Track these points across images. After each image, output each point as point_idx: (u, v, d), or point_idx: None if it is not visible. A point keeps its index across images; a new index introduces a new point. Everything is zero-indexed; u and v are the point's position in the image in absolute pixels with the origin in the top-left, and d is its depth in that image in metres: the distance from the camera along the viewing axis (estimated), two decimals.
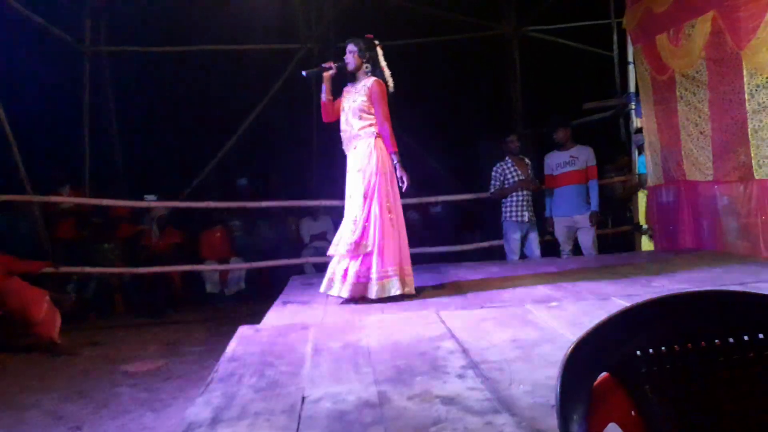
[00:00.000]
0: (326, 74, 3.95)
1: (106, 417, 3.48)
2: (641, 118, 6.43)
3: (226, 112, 8.74)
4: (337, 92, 4.04)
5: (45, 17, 6.91)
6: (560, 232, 5.96)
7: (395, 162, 3.80)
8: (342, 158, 4.01)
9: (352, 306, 3.71)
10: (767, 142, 4.51)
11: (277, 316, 3.63)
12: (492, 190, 6.02)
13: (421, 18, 9.08)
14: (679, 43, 5.34)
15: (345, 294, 3.71)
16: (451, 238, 7.76)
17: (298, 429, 1.79)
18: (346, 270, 3.73)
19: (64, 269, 5.87)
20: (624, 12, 6.38)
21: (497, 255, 6.53)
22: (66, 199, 6.85)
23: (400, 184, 3.82)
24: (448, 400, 1.95)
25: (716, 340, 0.99)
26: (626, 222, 7.24)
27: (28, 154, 6.10)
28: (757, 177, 4.62)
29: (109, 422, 3.40)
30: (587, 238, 5.87)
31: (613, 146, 7.79)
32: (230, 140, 8.47)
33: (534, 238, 6.01)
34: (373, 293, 3.70)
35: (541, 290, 3.86)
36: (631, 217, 7.03)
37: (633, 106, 6.83)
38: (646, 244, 6.64)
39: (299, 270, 6.89)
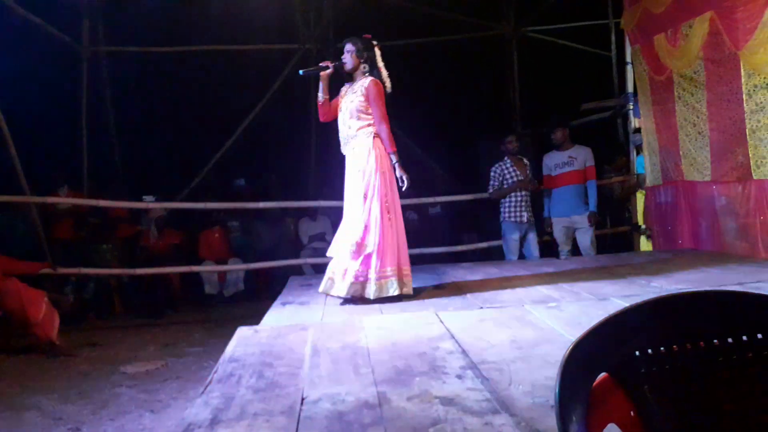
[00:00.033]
0: (323, 73, 3.94)
1: (105, 418, 3.47)
2: (639, 118, 6.44)
3: (224, 113, 8.74)
4: (335, 92, 4.04)
5: (43, 18, 6.91)
6: (559, 232, 5.96)
7: (394, 162, 3.79)
8: (340, 159, 4.00)
9: (351, 307, 3.71)
10: (765, 142, 4.52)
11: (275, 316, 3.62)
12: (491, 191, 6.02)
13: (420, 18, 9.08)
14: (677, 43, 5.35)
15: (343, 293, 3.71)
16: (450, 238, 7.76)
17: (297, 430, 1.79)
18: (345, 270, 3.73)
19: (62, 270, 5.87)
20: (622, 12, 6.38)
21: (496, 255, 6.53)
22: (64, 200, 6.84)
23: (400, 184, 3.81)
24: (447, 401, 1.95)
25: (715, 341, 1.00)
26: (625, 222, 7.25)
27: (26, 154, 6.09)
28: (755, 177, 4.63)
29: (108, 423, 3.40)
30: (586, 239, 5.87)
31: (612, 147, 7.79)
32: (229, 141, 8.48)
33: (533, 238, 6.01)
34: (371, 293, 3.70)
35: (540, 291, 3.86)
36: (630, 217, 7.03)
37: (631, 107, 6.84)
38: (645, 244, 6.65)
39: (298, 271, 6.89)
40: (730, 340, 0.99)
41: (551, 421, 0.95)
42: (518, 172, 5.91)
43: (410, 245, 4.03)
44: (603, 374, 1.02)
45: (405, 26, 8.95)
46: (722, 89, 4.89)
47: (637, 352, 1.00)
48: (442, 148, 9.43)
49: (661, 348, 1.00)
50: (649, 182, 6.23)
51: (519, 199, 5.88)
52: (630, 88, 6.87)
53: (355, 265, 3.69)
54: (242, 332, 3.04)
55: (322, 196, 6.98)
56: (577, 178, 5.81)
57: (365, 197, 3.75)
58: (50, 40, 7.38)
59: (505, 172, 5.92)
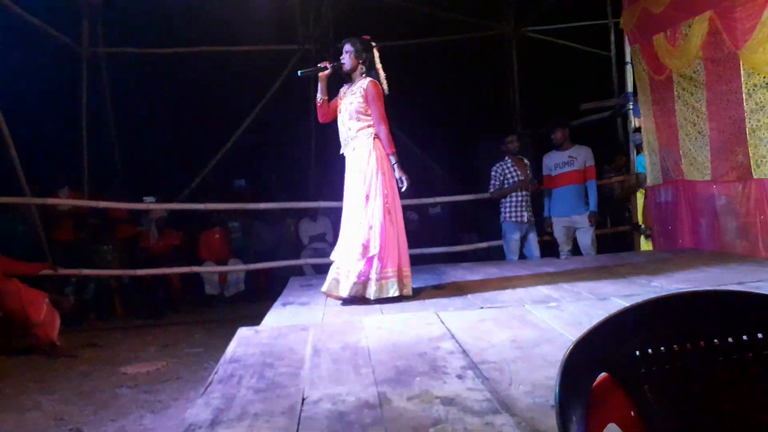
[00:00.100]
0: (322, 74, 3.93)
1: (106, 418, 3.48)
2: (639, 118, 6.44)
3: (224, 114, 8.75)
4: (334, 93, 4.04)
5: (42, 19, 6.91)
6: (559, 232, 5.96)
7: (393, 163, 3.79)
8: (340, 159, 4.00)
9: (352, 307, 3.71)
10: (765, 142, 4.52)
11: (276, 317, 3.62)
12: (491, 190, 6.02)
13: (420, 18, 9.09)
14: (677, 43, 5.35)
15: (345, 293, 3.71)
16: (450, 238, 7.77)
17: (297, 430, 1.79)
18: (349, 271, 3.73)
19: (62, 271, 5.87)
20: (621, 12, 6.38)
21: (496, 255, 6.53)
22: (64, 201, 6.84)
23: (399, 185, 3.81)
24: (448, 401, 1.95)
25: (715, 340, 1.00)
26: (625, 222, 7.25)
27: (27, 155, 6.10)
28: (755, 176, 4.63)
29: (108, 424, 3.40)
30: (586, 239, 5.87)
31: (612, 146, 7.80)
32: (229, 142, 8.48)
33: (533, 238, 6.01)
34: (371, 293, 3.70)
35: (540, 290, 3.86)
36: (630, 217, 7.03)
37: (631, 106, 6.84)
38: (645, 244, 6.65)
39: (298, 271, 6.89)
40: (730, 339, 0.99)
41: (552, 421, 0.95)
42: (519, 172, 5.92)
43: (410, 245, 4.03)
44: (603, 374, 1.02)
45: (405, 26, 8.95)
46: (722, 88, 4.89)
47: (638, 352, 1.00)
48: (442, 149, 9.44)
49: (662, 348, 1.00)
50: (649, 182, 6.23)
51: (519, 199, 5.88)
52: (630, 88, 6.87)
53: (358, 266, 3.70)
54: (243, 333, 3.04)
55: (322, 197, 6.98)
56: (577, 177, 5.81)
57: (367, 198, 3.75)
58: (50, 41, 7.38)
59: (506, 171, 5.93)
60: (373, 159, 3.78)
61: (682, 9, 5.20)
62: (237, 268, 7.20)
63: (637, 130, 6.66)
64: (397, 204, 3.88)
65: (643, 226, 6.61)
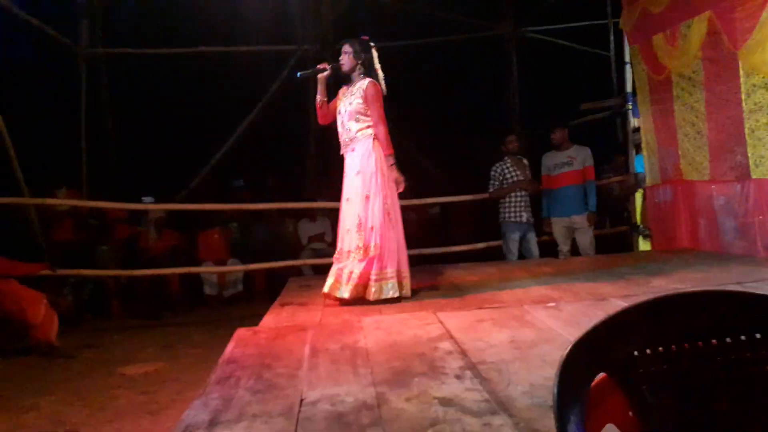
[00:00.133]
0: (321, 76, 3.93)
1: (104, 419, 3.47)
2: (639, 118, 6.44)
3: (223, 114, 8.74)
4: (332, 94, 4.03)
5: (41, 19, 6.90)
6: (558, 232, 5.96)
7: (390, 164, 3.77)
8: (339, 159, 4.00)
9: (350, 307, 3.70)
10: (764, 142, 4.52)
11: (274, 317, 3.62)
12: (491, 190, 6.02)
13: (419, 19, 9.08)
14: (676, 43, 5.35)
15: (346, 295, 3.71)
16: (449, 238, 7.76)
17: (295, 431, 1.79)
18: (351, 272, 3.73)
19: (61, 272, 5.86)
20: (621, 12, 6.38)
21: (495, 256, 6.52)
22: (63, 202, 6.83)
23: (395, 186, 3.80)
24: (446, 401, 1.95)
25: (713, 340, 0.99)
26: (624, 222, 7.25)
27: (25, 156, 6.09)
28: (753, 176, 4.63)
29: (106, 425, 3.39)
30: (585, 239, 5.87)
31: (611, 146, 7.80)
32: (227, 142, 8.47)
33: (532, 238, 6.01)
34: (370, 295, 3.70)
35: (539, 291, 3.86)
36: (629, 217, 7.04)
37: (630, 107, 6.84)
38: (643, 244, 6.65)
39: (297, 272, 6.89)
40: (728, 340, 0.99)
41: (550, 421, 0.94)
42: (518, 172, 5.92)
43: (409, 246, 4.03)
44: (601, 374, 1.01)
45: (404, 27, 8.95)
46: (721, 89, 4.89)
47: (636, 352, 1.00)
48: (441, 149, 9.43)
49: (660, 348, 1.00)
50: (648, 182, 6.23)
51: (518, 199, 5.88)
52: (629, 88, 6.87)
53: (359, 268, 3.70)
54: (241, 333, 3.04)
55: (321, 197, 6.97)
56: (576, 178, 5.81)
57: (366, 199, 3.74)
58: (48, 42, 7.38)
59: (506, 171, 5.93)
60: (372, 160, 3.77)
61: (681, 9, 5.20)
62: (235, 268, 7.20)
63: (637, 130, 6.66)
64: (397, 205, 3.88)
65: (641, 226, 6.62)
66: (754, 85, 4.55)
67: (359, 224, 3.73)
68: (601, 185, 6.61)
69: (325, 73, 3.92)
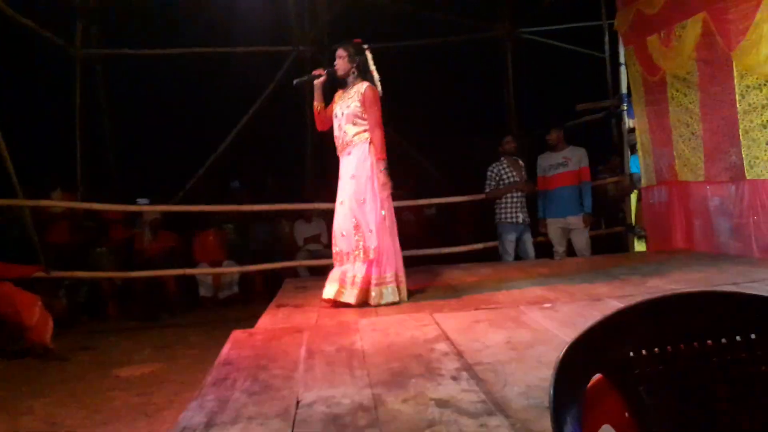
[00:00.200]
0: (317, 82, 3.92)
1: (99, 422, 3.46)
2: (634, 119, 6.46)
3: (219, 115, 8.72)
4: (327, 98, 4.03)
5: (36, 21, 6.88)
6: (553, 233, 5.97)
7: (382, 168, 3.76)
8: (336, 160, 3.99)
9: (346, 309, 3.71)
10: (758, 143, 4.54)
11: (270, 319, 3.62)
12: (487, 190, 6.03)
13: (415, 20, 9.08)
14: (670, 44, 5.37)
15: (352, 300, 3.71)
16: (445, 239, 7.76)
17: None
18: (354, 276, 3.73)
19: (55, 274, 5.84)
20: (616, 14, 6.40)
21: (491, 256, 6.53)
22: (58, 203, 6.80)
23: (381, 191, 3.77)
24: (443, 403, 1.95)
25: (709, 341, 1.00)
26: (619, 223, 7.27)
27: (20, 157, 6.06)
28: (748, 177, 4.65)
29: (102, 427, 3.38)
30: (580, 239, 5.89)
31: (606, 147, 7.81)
32: (224, 143, 8.45)
33: (528, 239, 6.03)
34: (371, 299, 3.72)
35: (535, 291, 3.87)
36: (624, 217, 7.05)
37: (625, 107, 6.85)
38: (639, 244, 6.67)
39: (293, 273, 6.88)
40: (724, 340, 0.99)
41: (546, 422, 0.94)
42: (514, 173, 5.93)
43: (406, 247, 4.03)
44: (597, 375, 1.02)
45: (400, 28, 8.95)
46: (715, 90, 4.91)
47: (632, 353, 1.00)
48: (437, 150, 9.43)
49: (656, 349, 1.00)
50: (643, 183, 6.25)
51: (515, 199, 5.89)
52: (624, 89, 6.89)
53: (361, 271, 3.70)
54: (237, 335, 3.03)
55: (317, 198, 6.97)
56: (572, 179, 5.83)
57: (362, 203, 3.74)
58: (43, 43, 7.35)
59: (502, 172, 5.94)
60: (368, 164, 3.77)
61: (676, 10, 5.22)
62: (231, 270, 7.18)
63: (632, 131, 6.68)
64: (392, 209, 3.88)
65: (637, 227, 6.63)
66: (748, 86, 4.57)
67: (355, 226, 3.73)
68: (596, 186, 6.63)
69: (321, 79, 3.91)
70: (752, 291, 1.03)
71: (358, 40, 3.92)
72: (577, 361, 0.98)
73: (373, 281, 3.71)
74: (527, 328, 2.87)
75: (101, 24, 8.43)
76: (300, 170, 9.00)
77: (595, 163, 6.66)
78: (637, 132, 6.35)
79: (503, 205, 5.92)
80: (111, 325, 6.47)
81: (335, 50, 3.95)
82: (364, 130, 3.81)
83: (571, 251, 6.04)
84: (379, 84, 3.89)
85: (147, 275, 6.42)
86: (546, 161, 5.98)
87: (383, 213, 3.75)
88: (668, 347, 1.00)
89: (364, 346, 2.71)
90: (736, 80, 4.66)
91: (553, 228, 5.96)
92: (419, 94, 8.83)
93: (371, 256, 3.70)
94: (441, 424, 1.78)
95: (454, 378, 2.20)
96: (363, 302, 3.72)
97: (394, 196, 4.01)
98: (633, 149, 6.74)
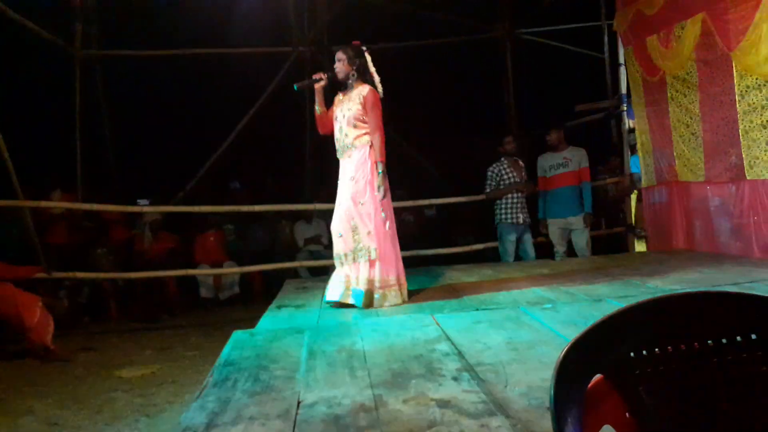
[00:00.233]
0: (317, 86, 3.92)
1: (101, 422, 3.46)
2: (633, 119, 6.46)
3: (218, 115, 8.72)
4: (327, 101, 4.03)
5: (35, 21, 6.88)
6: (554, 233, 5.98)
7: (379, 171, 3.74)
8: (336, 161, 3.99)
9: (347, 309, 3.71)
10: (758, 143, 4.54)
11: (271, 320, 3.62)
12: (487, 191, 6.03)
13: (415, 21, 9.09)
14: (670, 44, 5.37)
15: (359, 303, 3.72)
16: (446, 240, 7.77)
17: None
18: (357, 279, 3.74)
19: (56, 274, 5.84)
20: (615, 14, 6.41)
21: (492, 257, 6.54)
22: (58, 204, 6.80)
23: (376, 193, 3.76)
24: (444, 403, 1.95)
25: (709, 341, 1.00)
26: (619, 223, 7.27)
27: (20, 158, 6.06)
28: (748, 177, 4.65)
29: (103, 428, 3.38)
30: (581, 240, 5.89)
31: (606, 148, 7.81)
32: (224, 143, 8.46)
33: (528, 239, 6.03)
34: (375, 302, 3.72)
35: (536, 292, 3.87)
36: (624, 218, 7.06)
37: (625, 108, 6.86)
38: (639, 245, 6.67)
39: (293, 274, 6.88)
40: (724, 340, 1.00)
41: (547, 422, 0.95)
42: (515, 173, 5.93)
43: (406, 247, 4.03)
44: (598, 376, 1.02)
45: (400, 28, 8.95)
46: (715, 90, 4.91)
47: (632, 354, 1.01)
48: (437, 150, 9.44)
49: (656, 349, 1.00)
50: (643, 183, 6.25)
51: (515, 200, 5.89)
52: (623, 90, 6.89)
53: (365, 274, 3.71)
54: (238, 336, 3.04)
55: (317, 199, 6.97)
56: (572, 179, 5.83)
57: (361, 205, 3.74)
58: (43, 44, 7.35)
59: (502, 172, 5.94)
60: (367, 168, 3.77)
61: (675, 11, 5.22)
62: (232, 270, 7.19)
63: (632, 131, 6.68)
64: (392, 212, 3.89)
65: (639, 229, 6.63)
66: (748, 87, 4.57)
67: (353, 228, 3.73)
68: (596, 186, 6.63)
69: (322, 83, 3.91)
70: (752, 291, 1.03)
71: (357, 42, 3.92)
72: (578, 361, 0.98)
73: (377, 284, 3.72)
74: (528, 328, 2.88)
75: (101, 25, 8.43)
76: (300, 171, 9.00)
77: (595, 164, 6.66)
78: (637, 132, 6.35)
79: (503, 206, 5.93)
80: (111, 326, 6.47)
81: (334, 53, 3.95)
82: (365, 133, 3.81)
83: (571, 252, 6.04)
84: (380, 86, 3.90)
85: (147, 276, 6.42)
86: (546, 162, 5.98)
87: (383, 215, 3.75)
88: (668, 347, 1.00)
89: (365, 346, 2.72)
90: (735, 80, 4.66)
91: (554, 228, 5.96)
92: (419, 94, 8.83)
93: (371, 257, 3.70)
94: (442, 425, 1.78)
95: (455, 378, 2.20)
96: (368, 305, 3.72)
97: (394, 196, 4.01)
98: (633, 149, 6.75)
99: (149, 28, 8.16)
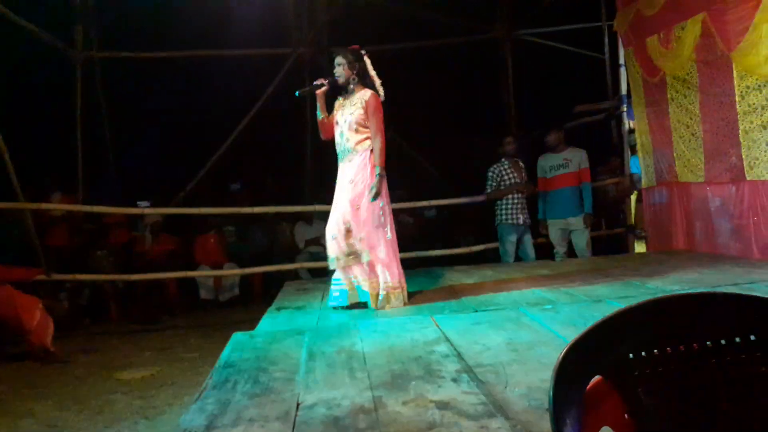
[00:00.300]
0: (319, 91, 3.91)
1: (100, 424, 3.46)
2: (634, 120, 6.46)
3: (219, 117, 8.73)
4: (328, 106, 4.03)
5: (36, 23, 6.89)
6: (554, 234, 5.97)
7: (377, 174, 3.72)
8: (336, 163, 3.99)
9: (347, 311, 3.71)
10: (758, 143, 4.54)
11: (271, 321, 3.62)
12: (488, 191, 6.03)
13: (414, 22, 9.09)
14: (670, 45, 5.37)
15: (365, 298, 3.72)
16: (446, 241, 7.77)
17: None
18: (360, 281, 3.75)
19: (56, 276, 5.84)
20: (615, 15, 6.41)
21: (492, 258, 6.54)
22: (58, 206, 6.80)
23: (367, 193, 3.74)
24: (443, 405, 1.95)
25: (709, 342, 1.00)
26: (619, 224, 7.27)
27: (21, 160, 6.06)
28: (748, 178, 4.65)
29: (103, 429, 3.38)
30: (581, 240, 5.89)
31: (606, 148, 7.81)
32: (224, 145, 8.46)
33: (528, 240, 6.03)
34: (378, 302, 3.72)
35: (536, 293, 3.86)
36: (624, 218, 7.06)
37: (625, 109, 6.86)
38: (639, 245, 6.67)
39: (294, 275, 6.88)
40: (723, 341, 0.99)
41: (547, 424, 0.95)
42: (515, 174, 5.93)
43: (406, 248, 4.03)
44: (597, 377, 1.02)
45: (399, 30, 8.95)
46: (715, 91, 4.91)
47: (631, 355, 1.00)
48: (437, 150, 9.44)
49: (655, 350, 1.00)
50: (643, 184, 6.25)
51: (515, 201, 5.89)
52: (623, 90, 6.89)
53: (366, 276, 3.71)
54: (238, 337, 3.04)
55: (318, 200, 6.97)
56: (572, 180, 5.83)
57: (358, 209, 3.74)
58: (43, 46, 7.36)
59: (503, 173, 5.94)
60: (368, 172, 3.77)
61: (675, 11, 5.22)
62: (232, 272, 7.18)
63: (632, 131, 6.68)
64: (391, 215, 3.88)
65: (639, 230, 6.63)
66: (748, 87, 4.57)
67: (347, 231, 3.72)
68: (596, 187, 6.63)
69: (324, 89, 3.91)
70: (752, 292, 1.03)
71: (356, 46, 3.91)
72: (577, 362, 0.98)
73: (381, 285, 3.72)
74: (528, 329, 2.87)
75: (101, 26, 8.44)
76: (300, 172, 9.00)
77: (595, 165, 6.66)
78: (637, 133, 6.35)
79: (504, 207, 5.92)
80: (112, 327, 6.47)
81: (333, 57, 3.94)
82: (366, 138, 3.80)
83: (571, 252, 6.04)
84: (381, 88, 3.89)
85: (147, 278, 6.42)
86: (546, 162, 5.98)
87: (382, 220, 3.74)
88: (668, 348, 1.00)
89: (365, 348, 2.72)
90: (735, 81, 4.66)
91: (554, 229, 5.96)
92: (419, 95, 8.83)
93: (367, 261, 3.70)
94: (441, 426, 1.78)
95: (455, 380, 2.20)
96: (373, 305, 3.73)
97: (394, 197, 4.01)
98: (633, 150, 6.75)
99: (149, 30, 8.16)
